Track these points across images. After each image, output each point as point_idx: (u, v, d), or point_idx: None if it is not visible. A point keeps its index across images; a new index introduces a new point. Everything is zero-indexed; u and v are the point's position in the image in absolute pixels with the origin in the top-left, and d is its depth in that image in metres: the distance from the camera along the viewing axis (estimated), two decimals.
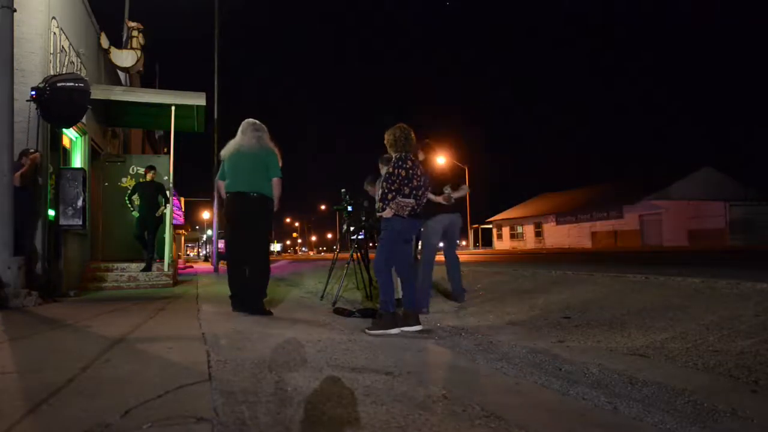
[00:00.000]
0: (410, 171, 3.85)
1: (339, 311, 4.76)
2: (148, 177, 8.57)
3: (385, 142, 4.02)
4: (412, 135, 4.00)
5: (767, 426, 1.80)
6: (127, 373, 2.20)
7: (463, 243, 66.70)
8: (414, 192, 3.84)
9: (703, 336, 3.02)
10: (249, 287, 4.40)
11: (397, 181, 3.82)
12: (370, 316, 4.55)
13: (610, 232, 33.96)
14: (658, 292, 4.22)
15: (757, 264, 7.55)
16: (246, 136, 4.57)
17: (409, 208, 3.83)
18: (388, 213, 3.85)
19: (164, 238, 8.46)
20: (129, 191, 8.66)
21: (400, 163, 3.87)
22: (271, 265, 4.86)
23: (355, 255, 6.13)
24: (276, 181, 4.56)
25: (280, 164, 4.66)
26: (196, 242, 53.94)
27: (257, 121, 4.67)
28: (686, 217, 30.81)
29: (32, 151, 5.49)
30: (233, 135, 4.66)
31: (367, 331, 3.62)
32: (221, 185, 4.62)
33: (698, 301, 3.70)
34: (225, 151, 4.60)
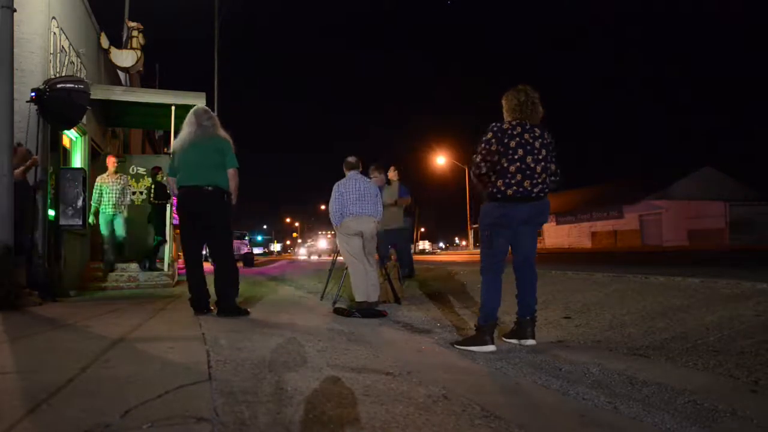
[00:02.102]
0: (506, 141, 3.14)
1: (339, 311, 4.75)
2: (159, 177, 8.59)
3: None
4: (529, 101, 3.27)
5: (767, 426, 1.80)
6: (127, 373, 2.20)
7: (463, 243, 66.75)
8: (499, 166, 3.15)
9: (703, 336, 3.03)
10: (218, 288, 4.16)
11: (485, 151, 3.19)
12: (371, 316, 4.55)
13: (610, 232, 33.98)
14: (659, 292, 4.22)
15: None
16: (196, 125, 4.21)
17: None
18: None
19: (159, 238, 8.48)
20: (149, 193, 8.66)
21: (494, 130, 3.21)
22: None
23: (334, 255, 6.12)
24: (232, 172, 4.21)
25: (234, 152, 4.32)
26: None
27: (207, 108, 4.39)
28: (686, 217, 30.82)
29: (25, 152, 5.44)
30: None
31: (456, 346, 3.21)
32: (172, 182, 4.29)
33: (698, 301, 3.70)
34: (176, 144, 4.29)
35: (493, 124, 3.23)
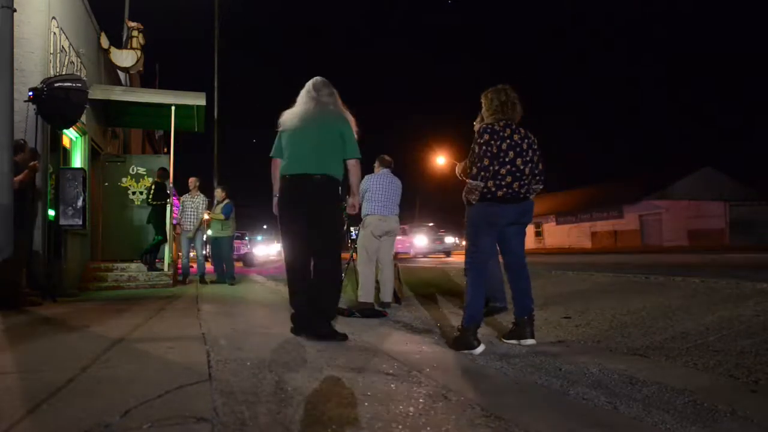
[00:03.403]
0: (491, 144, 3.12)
1: (339, 311, 4.75)
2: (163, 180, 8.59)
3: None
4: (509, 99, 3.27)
5: (767, 426, 1.80)
6: (127, 373, 2.20)
7: (463, 243, 66.65)
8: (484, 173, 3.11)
9: (703, 336, 3.03)
10: (315, 303, 3.28)
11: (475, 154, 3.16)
12: (371, 316, 4.55)
13: (610, 232, 33.97)
14: (659, 292, 4.22)
15: None
16: (315, 99, 3.40)
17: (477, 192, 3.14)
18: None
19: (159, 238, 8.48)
20: (148, 194, 8.63)
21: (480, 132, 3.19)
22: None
23: (354, 255, 6.13)
24: (353, 164, 3.39)
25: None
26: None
27: (327, 81, 3.51)
28: (686, 217, 30.81)
29: (20, 147, 5.42)
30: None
31: (456, 350, 3.02)
32: (275, 164, 3.46)
33: (698, 301, 3.70)
34: (285, 120, 3.42)
35: (486, 125, 3.20)
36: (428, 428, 1.61)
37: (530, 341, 3.21)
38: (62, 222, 6.18)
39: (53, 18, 6.42)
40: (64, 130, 6.93)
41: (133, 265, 8.20)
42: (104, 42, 9.15)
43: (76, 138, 8.03)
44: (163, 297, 6.08)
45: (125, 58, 9.58)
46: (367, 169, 5.21)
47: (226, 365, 2.34)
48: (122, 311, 4.55)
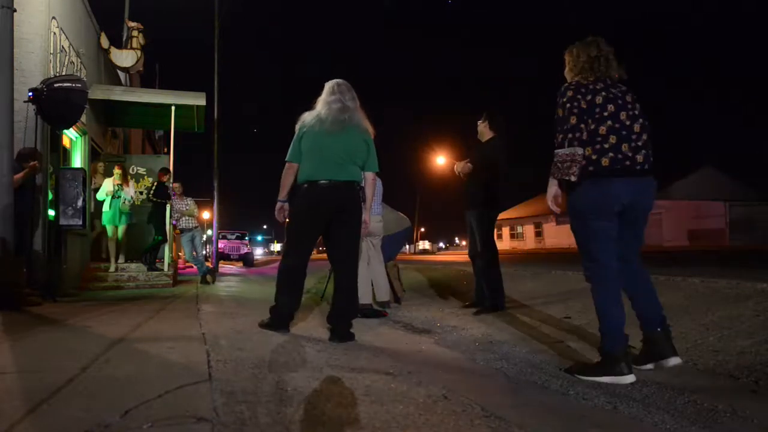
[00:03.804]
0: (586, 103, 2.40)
1: None
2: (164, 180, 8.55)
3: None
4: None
5: (767, 426, 1.80)
6: (127, 373, 2.20)
7: (463, 243, 66.69)
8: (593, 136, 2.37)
9: (703, 336, 3.02)
10: (339, 305, 3.28)
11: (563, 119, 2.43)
12: (371, 316, 4.55)
13: None
14: (659, 292, 4.22)
15: None
16: (340, 103, 3.24)
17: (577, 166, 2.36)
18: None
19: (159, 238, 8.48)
20: (148, 192, 8.64)
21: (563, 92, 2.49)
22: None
23: None
24: (372, 177, 3.38)
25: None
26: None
27: (349, 85, 3.36)
28: (686, 217, 30.82)
29: (31, 155, 5.43)
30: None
31: (578, 375, 2.44)
32: (292, 169, 3.30)
33: (698, 301, 3.70)
34: (307, 122, 3.27)
35: (565, 84, 2.52)
36: (428, 428, 1.61)
37: (675, 360, 2.43)
38: (62, 222, 6.18)
39: (53, 18, 6.42)
40: (64, 130, 6.93)
41: (133, 265, 8.19)
42: (104, 42, 9.15)
43: (76, 138, 8.03)
44: (163, 297, 6.08)
45: (125, 58, 9.59)
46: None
47: (226, 365, 2.34)
48: (122, 311, 4.55)
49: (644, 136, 2.40)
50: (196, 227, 9.02)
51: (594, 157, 2.34)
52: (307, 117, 3.29)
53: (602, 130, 2.34)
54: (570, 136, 2.35)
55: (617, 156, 2.33)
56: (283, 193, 3.34)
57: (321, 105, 3.28)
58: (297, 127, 3.32)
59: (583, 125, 2.35)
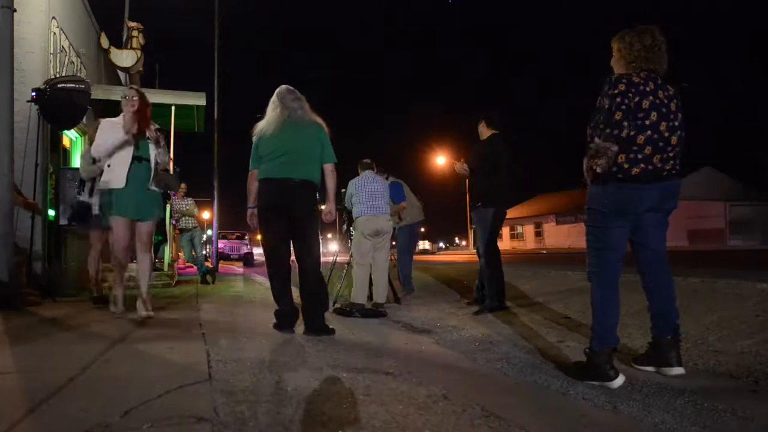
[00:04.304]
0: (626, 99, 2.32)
1: (339, 311, 4.75)
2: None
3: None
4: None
5: (767, 426, 1.80)
6: (127, 373, 2.20)
7: (463, 243, 66.68)
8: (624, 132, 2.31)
9: (703, 336, 3.03)
10: (307, 301, 3.38)
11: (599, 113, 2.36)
12: (371, 317, 4.56)
13: None
14: None
15: None
16: (285, 106, 3.43)
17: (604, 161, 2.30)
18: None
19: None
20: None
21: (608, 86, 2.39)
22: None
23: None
24: (331, 168, 3.47)
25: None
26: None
27: (292, 88, 3.56)
28: (686, 217, 30.81)
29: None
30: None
31: (567, 376, 2.45)
32: (253, 176, 3.49)
33: (698, 301, 3.70)
34: (262, 129, 3.47)
35: (617, 75, 2.41)
36: (428, 428, 1.62)
37: (677, 370, 2.40)
38: (62, 222, 6.18)
39: (53, 18, 6.42)
40: (65, 131, 6.93)
41: (133, 265, 8.18)
42: (104, 42, 9.15)
43: (76, 138, 8.03)
44: (163, 297, 6.08)
45: (125, 58, 9.58)
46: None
47: (226, 365, 2.34)
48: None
49: (678, 148, 2.38)
50: (195, 227, 9.02)
51: (626, 165, 2.31)
52: (259, 125, 3.50)
53: (640, 139, 2.31)
54: (609, 131, 2.29)
55: (648, 167, 2.32)
56: (250, 200, 3.51)
57: (267, 112, 3.50)
58: (253, 137, 3.52)
59: (626, 123, 2.30)
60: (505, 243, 45.71)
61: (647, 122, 2.31)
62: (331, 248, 37.66)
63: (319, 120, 3.52)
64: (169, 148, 9.23)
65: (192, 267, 10.61)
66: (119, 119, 4.05)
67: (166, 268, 8.24)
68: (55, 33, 6.49)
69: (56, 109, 5.42)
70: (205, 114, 9.71)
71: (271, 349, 2.79)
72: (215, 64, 13.78)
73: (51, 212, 6.24)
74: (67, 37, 6.98)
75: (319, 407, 1.77)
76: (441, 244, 75.30)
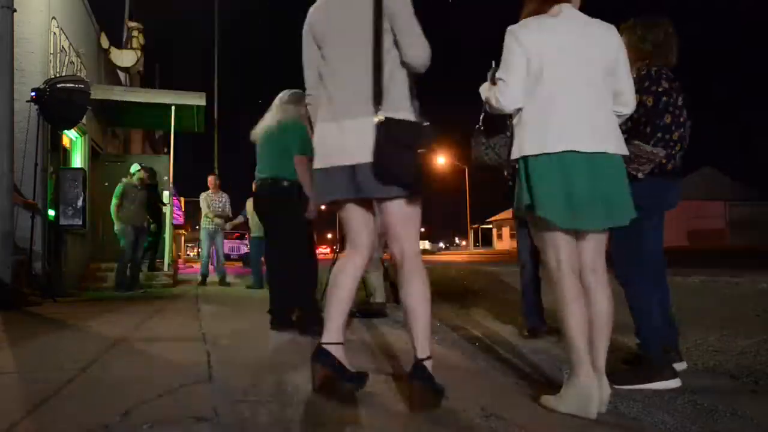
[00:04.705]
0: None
1: None
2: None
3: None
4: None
5: (767, 426, 1.80)
6: (127, 373, 2.20)
7: (463, 243, 66.65)
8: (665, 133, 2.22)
9: (703, 336, 3.03)
10: (298, 297, 3.49)
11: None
12: (370, 316, 4.55)
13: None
14: None
15: None
16: (272, 110, 3.66)
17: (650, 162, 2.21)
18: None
19: (164, 237, 8.46)
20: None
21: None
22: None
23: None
24: (297, 160, 3.43)
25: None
26: (196, 242, 53.71)
27: (294, 90, 3.61)
28: (686, 217, 30.81)
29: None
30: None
31: (616, 386, 2.07)
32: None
33: (698, 301, 3.70)
34: (254, 133, 3.74)
35: (655, 69, 2.25)
36: (428, 428, 1.62)
37: (679, 365, 2.35)
38: (62, 222, 6.18)
39: (53, 18, 6.42)
40: (65, 131, 6.93)
41: None
42: (104, 42, 9.15)
43: (76, 138, 8.04)
44: (163, 297, 6.08)
45: (125, 58, 9.59)
46: None
47: (226, 365, 2.34)
48: (122, 311, 4.55)
49: (685, 144, 2.32)
50: (219, 225, 8.51)
51: (663, 161, 2.22)
52: (260, 124, 3.72)
53: (676, 135, 2.23)
54: (659, 135, 2.19)
55: (676, 163, 2.29)
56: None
57: (267, 114, 3.72)
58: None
59: (674, 127, 2.22)
60: (505, 243, 45.72)
61: (681, 119, 2.26)
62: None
63: (300, 119, 3.52)
64: (169, 148, 9.25)
65: (192, 267, 10.59)
66: None
67: (166, 268, 8.24)
68: (55, 33, 6.49)
69: (56, 108, 5.42)
70: (205, 114, 9.71)
71: (271, 349, 2.79)
72: (215, 64, 13.80)
73: (51, 212, 6.24)
74: (67, 37, 6.98)
75: (319, 407, 1.77)
76: (441, 244, 75.23)
